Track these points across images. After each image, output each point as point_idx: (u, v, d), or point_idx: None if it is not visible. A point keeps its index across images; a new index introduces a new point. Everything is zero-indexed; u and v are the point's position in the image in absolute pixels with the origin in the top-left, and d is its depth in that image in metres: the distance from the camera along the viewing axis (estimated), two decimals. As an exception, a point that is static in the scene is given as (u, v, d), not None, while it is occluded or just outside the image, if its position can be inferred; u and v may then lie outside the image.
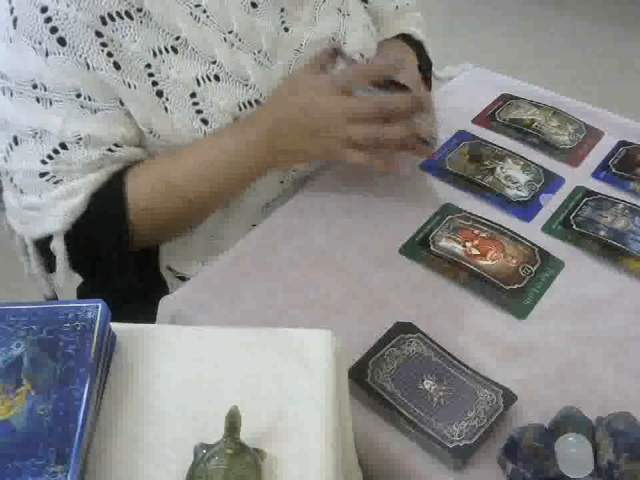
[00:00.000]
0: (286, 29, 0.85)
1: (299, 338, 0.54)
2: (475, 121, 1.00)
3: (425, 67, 1.02)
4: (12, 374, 0.49)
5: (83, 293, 1.00)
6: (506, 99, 1.03)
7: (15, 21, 0.71)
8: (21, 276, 0.90)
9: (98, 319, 0.52)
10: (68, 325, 0.51)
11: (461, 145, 0.94)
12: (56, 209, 0.76)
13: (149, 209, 0.79)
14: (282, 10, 0.84)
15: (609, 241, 0.80)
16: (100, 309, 0.52)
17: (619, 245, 0.79)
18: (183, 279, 0.89)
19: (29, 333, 0.51)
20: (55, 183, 0.76)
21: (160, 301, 0.75)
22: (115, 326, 0.54)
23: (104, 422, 0.50)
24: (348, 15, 0.91)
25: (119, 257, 0.80)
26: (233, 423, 0.46)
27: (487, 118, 1.00)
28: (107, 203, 0.78)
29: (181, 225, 0.84)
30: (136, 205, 0.78)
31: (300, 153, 0.80)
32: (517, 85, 1.07)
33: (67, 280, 0.82)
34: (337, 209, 0.85)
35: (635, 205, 0.85)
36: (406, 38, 1.03)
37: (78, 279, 0.97)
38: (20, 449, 0.45)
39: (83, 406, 0.47)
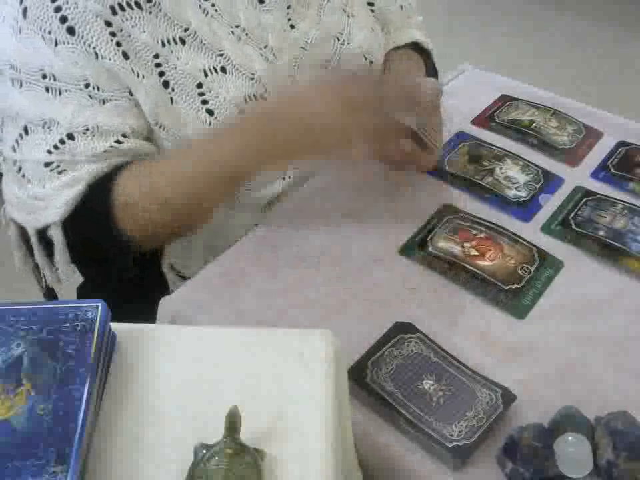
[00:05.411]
0: (292, 26, 0.85)
1: (299, 338, 0.54)
2: (474, 121, 1.00)
3: (430, 75, 1.02)
4: (12, 374, 0.49)
5: (82, 293, 1.00)
6: (505, 100, 1.03)
7: (24, 10, 0.72)
8: (20, 276, 0.90)
9: (98, 318, 0.52)
10: (68, 324, 0.51)
11: (460, 145, 0.94)
12: (59, 198, 0.76)
13: (130, 205, 0.76)
14: (288, 7, 0.85)
15: (608, 241, 0.80)
16: (100, 309, 0.52)
17: (618, 245, 0.79)
18: (184, 278, 0.89)
19: (29, 333, 0.51)
20: (59, 173, 0.76)
21: (160, 301, 0.75)
22: (114, 326, 0.54)
23: (104, 422, 0.50)
24: (353, 16, 0.92)
25: (116, 252, 0.79)
26: (233, 422, 0.46)
27: (486, 119, 1.00)
28: (96, 195, 0.77)
29: (168, 226, 0.80)
30: (119, 199, 0.76)
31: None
32: (516, 86, 1.07)
33: (69, 270, 0.82)
34: (337, 208, 0.85)
35: (634, 205, 0.85)
36: (413, 45, 1.04)
37: (78, 279, 0.97)
38: (20, 449, 0.45)
39: (83, 406, 0.47)
